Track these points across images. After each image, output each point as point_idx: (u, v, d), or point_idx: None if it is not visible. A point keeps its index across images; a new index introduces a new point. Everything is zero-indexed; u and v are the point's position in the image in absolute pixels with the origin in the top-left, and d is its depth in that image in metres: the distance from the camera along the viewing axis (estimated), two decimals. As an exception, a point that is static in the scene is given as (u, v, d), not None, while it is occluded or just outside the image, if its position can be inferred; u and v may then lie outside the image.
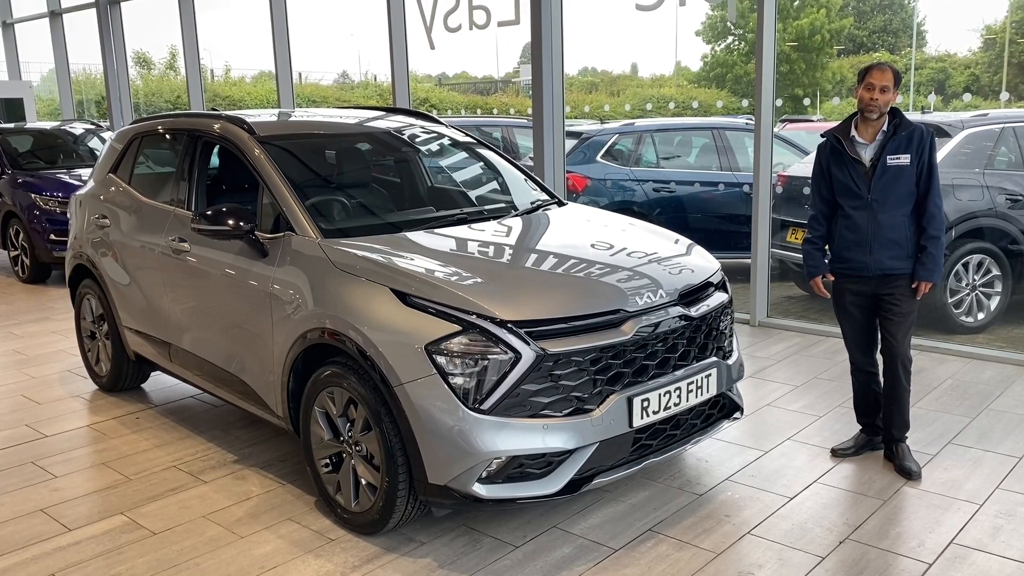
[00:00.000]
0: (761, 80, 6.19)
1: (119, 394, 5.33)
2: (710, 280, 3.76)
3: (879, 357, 4.02)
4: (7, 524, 3.67)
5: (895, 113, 3.81)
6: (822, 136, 3.98)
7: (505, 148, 9.43)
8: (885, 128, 3.79)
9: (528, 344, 3.06)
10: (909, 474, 3.86)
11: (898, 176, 3.75)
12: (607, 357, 3.19)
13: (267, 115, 4.69)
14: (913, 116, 3.88)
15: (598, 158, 8.46)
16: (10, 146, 9.79)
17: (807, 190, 7.01)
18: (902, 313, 3.84)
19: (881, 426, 4.06)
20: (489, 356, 3.04)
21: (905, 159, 3.74)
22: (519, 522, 3.53)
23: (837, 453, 4.13)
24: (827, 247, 4.04)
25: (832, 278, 4.00)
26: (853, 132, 3.85)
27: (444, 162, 5.04)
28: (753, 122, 6.41)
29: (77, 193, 5.56)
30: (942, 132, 6.35)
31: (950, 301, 6.28)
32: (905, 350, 3.88)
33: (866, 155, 3.82)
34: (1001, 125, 6.64)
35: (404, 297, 3.21)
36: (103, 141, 10.25)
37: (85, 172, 8.87)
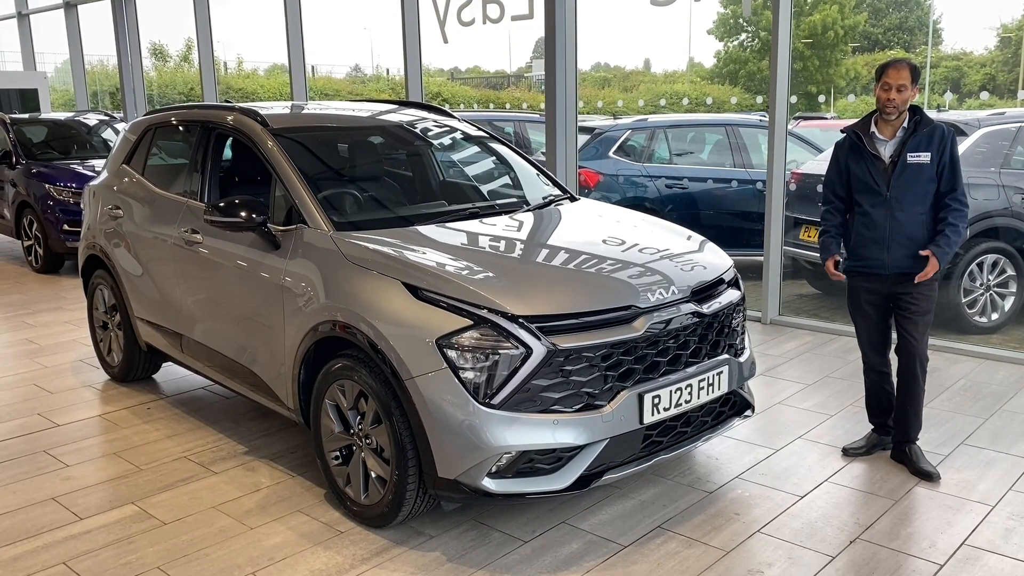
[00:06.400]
0: (776, 77, 6.16)
1: (131, 384, 5.36)
2: (722, 277, 3.74)
3: (892, 357, 3.99)
4: (19, 512, 3.70)
5: (916, 111, 3.77)
6: (842, 132, 3.95)
7: (517, 143, 9.40)
8: (905, 125, 3.76)
9: (539, 339, 3.06)
10: (928, 476, 3.81)
11: (917, 174, 3.72)
12: (618, 353, 3.18)
13: (280, 107, 4.69)
14: (929, 114, 3.85)
15: (611, 154, 8.43)
16: (24, 136, 9.84)
17: (821, 187, 6.98)
18: (920, 312, 3.80)
19: (892, 426, 4.04)
20: (500, 351, 3.04)
21: (925, 157, 3.70)
22: (528, 517, 3.53)
23: (848, 452, 4.11)
24: (843, 240, 4.00)
25: (839, 259, 3.95)
26: (873, 128, 3.82)
27: (456, 156, 5.03)
28: (767, 119, 6.38)
29: (91, 184, 5.59)
30: (958, 131, 6.30)
31: (964, 301, 6.24)
32: (923, 349, 3.84)
33: (885, 152, 3.78)
34: (1018, 124, 6.57)
35: (415, 291, 3.21)
36: (117, 132, 10.29)
37: (99, 163, 8.91)
